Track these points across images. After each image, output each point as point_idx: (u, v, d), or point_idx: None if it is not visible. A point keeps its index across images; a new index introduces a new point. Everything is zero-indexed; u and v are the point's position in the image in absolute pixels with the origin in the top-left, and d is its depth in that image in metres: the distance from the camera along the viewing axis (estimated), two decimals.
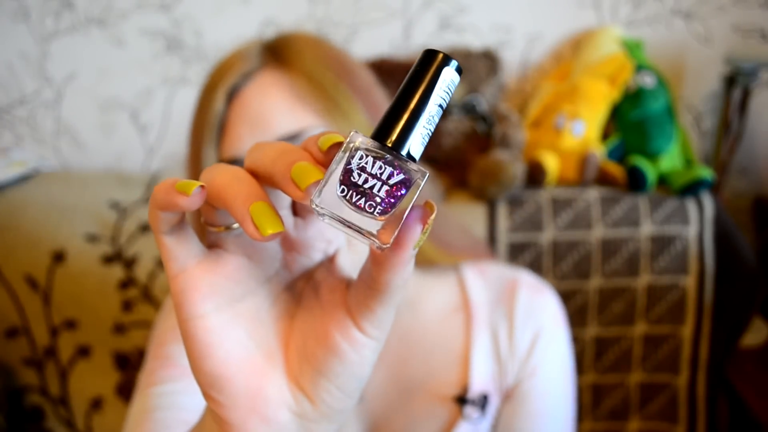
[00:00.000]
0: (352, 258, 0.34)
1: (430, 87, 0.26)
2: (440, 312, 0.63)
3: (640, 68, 1.01)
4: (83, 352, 0.98)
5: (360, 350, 0.28)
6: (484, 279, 0.65)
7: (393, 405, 0.61)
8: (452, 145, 1.00)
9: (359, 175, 0.25)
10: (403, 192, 0.25)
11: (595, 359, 0.98)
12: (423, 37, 1.11)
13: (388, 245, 0.25)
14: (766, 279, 0.94)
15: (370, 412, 0.61)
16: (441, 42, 1.11)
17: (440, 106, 0.27)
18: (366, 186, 0.25)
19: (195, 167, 0.59)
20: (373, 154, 0.25)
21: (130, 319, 0.96)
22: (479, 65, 1.04)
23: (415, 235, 0.25)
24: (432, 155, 1.01)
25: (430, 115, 0.26)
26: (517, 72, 1.13)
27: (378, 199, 0.25)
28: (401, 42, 1.11)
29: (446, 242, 0.65)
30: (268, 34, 1.10)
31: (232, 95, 0.56)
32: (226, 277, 0.28)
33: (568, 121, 0.98)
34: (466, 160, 0.99)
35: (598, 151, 0.97)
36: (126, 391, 0.98)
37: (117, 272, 0.96)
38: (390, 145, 0.26)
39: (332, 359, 0.28)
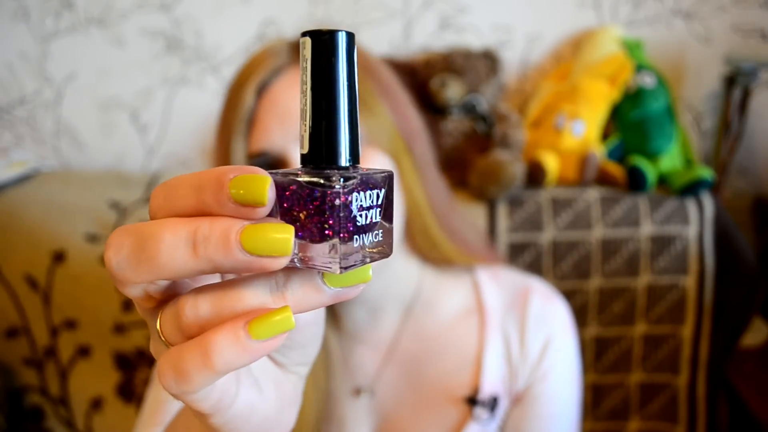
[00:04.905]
0: None
1: (351, 76, 0.23)
2: (455, 313, 0.65)
3: (640, 68, 1.01)
4: (83, 352, 0.98)
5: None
6: (498, 284, 0.67)
7: (404, 402, 0.62)
8: (452, 145, 1.00)
9: (361, 216, 0.23)
10: (388, 198, 0.24)
11: (595, 359, 0.98)
12: (423, 36, 1.11)
13: (391, 251, 0.25)
14: (766, 279, 0.94)
15: (380, 407, 0.62)
16: (441, 42, 1.11)
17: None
18: (368, 222, 0.23)
19: (223, 160, 0.60)
20: (354, 187, 0.23)
21: (130, 319, 0.96)
22: (479, 65, 1.04)
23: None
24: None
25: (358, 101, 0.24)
26: (517, 72, 1.13)
27: (378, 224, 0.24)
28: (401, 42, 1.11)
29: (463, 240, 0.66)
30: (268, 34, 1.10)
31: (261, 90, 0.57)
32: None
33: (568, 121, 0.98)
34: (466, 160, 0.99)
35: (598, 151, 0.97)
36: (126, 391, 0.98)
37: None
38: (352, 163, 0.24)
39: (298, 332, 0.29)
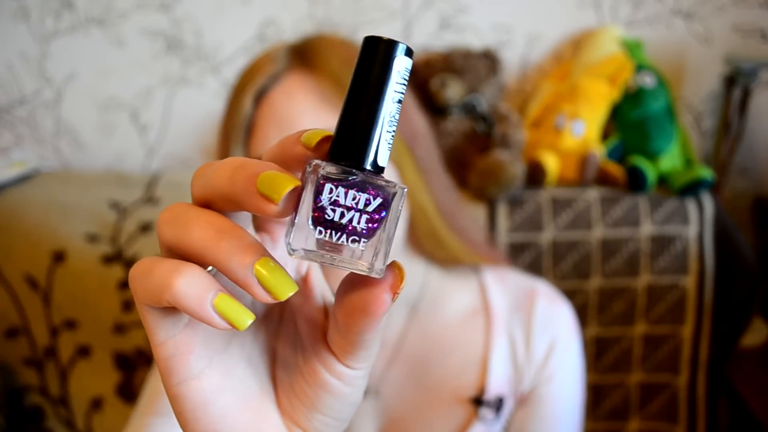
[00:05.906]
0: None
1: (383, 84, 0.23)
2: (461, 314, 0.65)
3: (640, 68, 1.01)
4: (83, 352, 0.98)
5: (351, 382, 0.27)
6: (504, 285, 0.67)
7: (410, 402, 0.62)
8: (452, 145, 1.00)
9: (333, 211, 0.22)
10: (383, 214, 0.23)
11: (595, 359, 0.98)
12: (423, 37, 1.11)
13: (382, 270, 0.23)
14: (766, 279, 0.94)
15: (386, 407, 0.62)
16: (441, 42, 1.11)
17: (399, 101, 0.24)
18: (344, 221, 0.22)
19: None
20: (343, 183, 0.22)
21: (130, 319, 0.96)
22: (479, 65, 1.04)
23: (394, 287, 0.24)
24: None
25: (391, 116, 0.23)
26: (517, 72, 1.13)
27: (359, 229, 0.23)
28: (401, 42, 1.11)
29: (470, 239, 0.66)
30: (268, 34, 1.10)
31: (259, 97, 0.57)
32: (214, 329, 0.26)
33: (568, 121, 0.98)
34: (466, 160, 0.99)
35: (598, 151, 0.97)
36: (126, 391, 0.98)
37: (117, 272, 0.96)
38: (356, 163, 0.23)
39: (324, 395, 0.27)
